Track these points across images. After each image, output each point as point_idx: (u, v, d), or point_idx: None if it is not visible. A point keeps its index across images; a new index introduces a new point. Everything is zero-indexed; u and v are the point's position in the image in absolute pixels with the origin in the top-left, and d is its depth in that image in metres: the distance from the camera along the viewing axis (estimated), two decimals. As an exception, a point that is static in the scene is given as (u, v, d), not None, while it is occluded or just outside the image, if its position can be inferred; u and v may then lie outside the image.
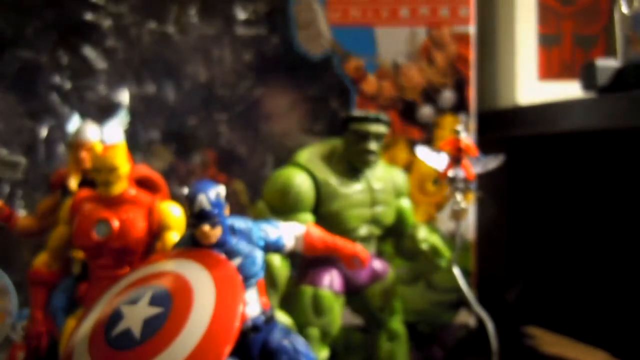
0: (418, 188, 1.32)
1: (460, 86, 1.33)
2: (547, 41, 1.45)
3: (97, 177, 0.95)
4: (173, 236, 0.96)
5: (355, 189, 1.06)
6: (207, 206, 0.78)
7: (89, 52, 1.32)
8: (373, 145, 1.06)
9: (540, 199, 1.65)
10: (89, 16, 1.32)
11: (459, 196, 1.05)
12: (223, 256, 0.79)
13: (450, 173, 1.04)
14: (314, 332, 1.01)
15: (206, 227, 0.78)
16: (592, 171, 1.53)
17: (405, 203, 1.13)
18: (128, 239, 0.95)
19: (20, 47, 1.32)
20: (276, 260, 0.99)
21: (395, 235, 1.13)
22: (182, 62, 1.33)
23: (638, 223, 1.42)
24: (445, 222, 1.31)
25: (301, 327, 1.00)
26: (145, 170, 1.03)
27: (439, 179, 1.06)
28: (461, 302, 1.30)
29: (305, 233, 0.90)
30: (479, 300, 1.12)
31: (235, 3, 1.33)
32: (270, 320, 0.83)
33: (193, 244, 0.81)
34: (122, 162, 0.95)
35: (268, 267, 0.97)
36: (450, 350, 1.33)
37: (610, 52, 1.45)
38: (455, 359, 1.31)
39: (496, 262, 1.64)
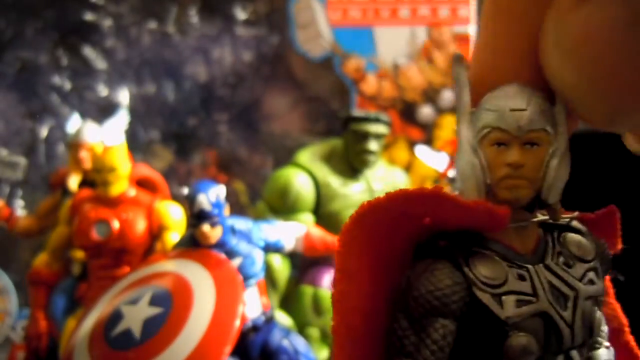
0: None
1: (460, 86, 1.33)
2: (547, 41, 1.45)
3: (97, 177, 0.95)
4: (173, 236, 0.96)
5: (355, 189, 1.06)
6: (207, 206, 0.78)
7: (89, 52, 1.32)
8: (373, 145, 1.06)
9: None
10: (89, 16, 1.32)
11: (459, 196, 1.05)
12: (223, 256, 0.79)
13: (450, 173, 1.04)
14: (314, 332, 1.01)
15: (206, 227, 0.78)
16: (592, 171, 1.53)
17: (405, 203, 1.13)
18: (128, 239, 0.95)
19: (20, 47, 1.32)
20: (276, 260, 0.99)
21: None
22: (182, 62, 1.33)
23: (638, 223, 1.42)
24: (445, 222, 1.31)
25: (301, 327, 1.00)
26: (145, 170, 1.03)
27: (439, 179, 1.06)
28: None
29: (305, 233, 0.90)
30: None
31: (235, 3, 1.33)
32: (270, 321, 0.83)
33: (193, 244, 0.81)
34: (122, 162, 0.95)
35: (268, 268, 0.97)
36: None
37: (610, 52, 1.45)
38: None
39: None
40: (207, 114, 1.33)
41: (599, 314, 0.39)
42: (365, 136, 1.05)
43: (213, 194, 0.79)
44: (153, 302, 0.73)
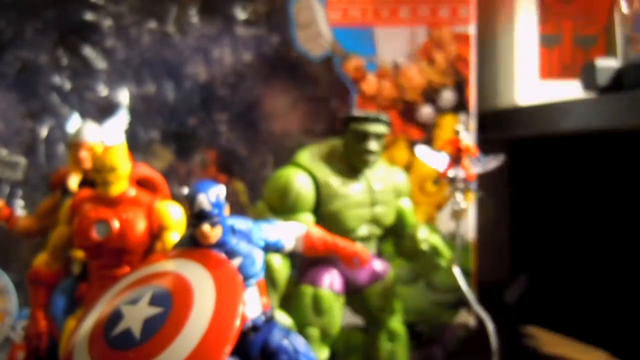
0: (418, 188, 1.32)
1: (460, 86, 1.33)
2: (547, 41, 1.45)
3: (97, 177, 0.95)
4: (173, 236, 0.96)
5: (355, 189, 1.06)
6: (207, 206, 0.78)
7: (89, 52, 1.32)
8: (373, 145, 1.06)
9: (540, 199, 1.65)
10: (89, 16, 1.32)
11: (459, 196, 1.05)
12: (223, 256, 0.79)
13: (450, 173, 1.04)
14: (314, 332, 1.01)
15: (206, 227, 0.78)
16: (592, 171, 1.53)
17: (406, 203, 1.13)
18: (128, 239, 0.95)
19: (20, 47, 1.32)
20: (276, 260, 0.99)
21: (395, 236, 1.13)
22: (182, 62, 1.33)
23: (638, 223, 1.42)
24: (445, 222, 1.31)
25: (301, 327, 1.00)
26: (145, 170, 1.03)
27: (439, 179, 1.06)
28: (461, 302, 1.30)
29: (305, 233, 0.90)
30: (479, 300, 1.12)
31: (235, 3, 1.33)
32: (270, 321, 0.83)
33: (193, 244, 0.81)
34: (122, 162, 0.95)
35: (268, 267, 0.97)
36: (450, 350, 1.33)
37: (610, 52, 1.45)
38: (455, 359, 1.31)
39: (496, 262, 1.64)
40: (207, 114, 1.33)
41: None
42: (365, 136, 1.05)
43: (213, 194, 0.79)
44: (153, 302, 0.73)
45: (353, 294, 1.07)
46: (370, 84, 1.32)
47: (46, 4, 1.31)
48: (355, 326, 1.14)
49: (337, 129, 1.11)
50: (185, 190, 0.80)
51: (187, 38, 1.33)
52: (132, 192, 0.98)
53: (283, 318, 0.98)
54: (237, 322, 0.71)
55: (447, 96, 1.33)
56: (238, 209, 1.30)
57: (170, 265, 0.79)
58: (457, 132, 1.05)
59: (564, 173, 1.60)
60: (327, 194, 1.05)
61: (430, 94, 1.33)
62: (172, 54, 1.33)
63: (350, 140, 1.07)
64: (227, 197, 0.81)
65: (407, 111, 1.33)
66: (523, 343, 1.43)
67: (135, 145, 1.29)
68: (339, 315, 1.04)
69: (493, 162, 1.07)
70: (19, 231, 1.10)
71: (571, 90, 1.36)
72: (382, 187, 1.09)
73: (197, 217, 0.78)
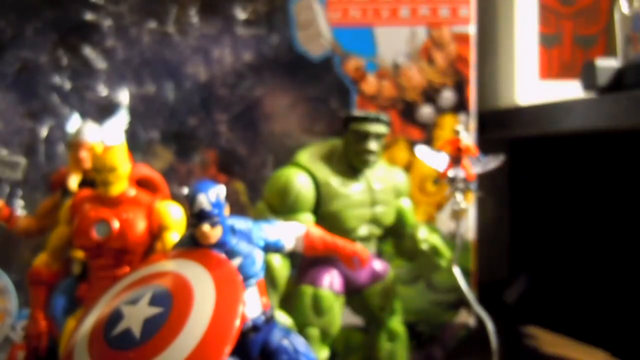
0: (418, 188, 1.32)
1: (460, 86, 1.33)
2: (547, 41, 1.45)
3: (97, 177, 0.95)
4: (173, 236, 0.96)
5: (355, 189, 1.06)
6: (207, 206, 0.78)
7: (89, 52, 1.32)
8: (373, 145, 1.06)
9: (540, 199, 1.65)
10: (89, 16, 1.32)
11: (459, 196, 1.05)
12: (223, 256, 0.79)
13: (450, 173, 1.04)
14: (314, 332, 1.01)
15: (206, 227, 0.78)
16: (592, 171, 1.53)
17: (406, 203, 1.13)
18: (128, 239, 0.95)
19: (20, 47, 1.32)
20: (276, 260, 0.99)
21: (395, 236, 1.13)
22: (182, 62, 1.33)
23: (638, 223, 1.42)
24: (445, 222, 1.31)
25: (301, 327, 1.00)
26: (145, 170, 1.03)
27: (439, 179, 1.06)
28: (461, 302, 1.30)
29: (305, 233, 0.90)
30: (479, 300, 1.12)
31: (235, 3, 1.33)
32: (270, 320, 0.83)
33: (193, 244, 0.81)
34: (122, 162, 0.95)
35: (268, 267, 0.97)
36: (450, 350, 1.33)
37: (610, 52, 1.45)
38: (455, 359, 1.31)
39: (496, 262, 1.64)
40: (207, 114, 1.33)
41: None
42: (365, 136, 1.05)
43: (213, 194, 0.79)
44: (153, 302, 0.73)
45: (353, 294, 1.07)
46: (370, 84, 1.32)
47: (46, 4, 1.31)
48: (355, 326, 1.14)
49: (337, 129, 1.11)
50: (185, 190, 0.80)
51: (187, 38, 1.33)
52: (132, 192, 0.98)
53: (283, 318, 0.99)
54: (237, 322, 0.71)
55: (447, 96, 1.33)
56: (238, 209, 1.30)
57: (170, 265, 0.79)
58: (457, 132, 1.05)
59: (564, 173, 1.60)
60: (327, 194, 1.05)
61: (430, 94, 1.33)
62: (172, 54, 1.33)
63: (350, 140, 1.07)
64: (227, 197, 0.81)
65: (407, 111, 1.33)
66: (523, 343, 1.43)
67: (135, 145, 1.29)
68: (339, 315, 1.04)
69: (493, 162, 1.07)
70: (19, 231, 1.10)
71: (571, 90, 1.36)
72: (382, 187, 1.09)
73: (197, 217, 0.78)
